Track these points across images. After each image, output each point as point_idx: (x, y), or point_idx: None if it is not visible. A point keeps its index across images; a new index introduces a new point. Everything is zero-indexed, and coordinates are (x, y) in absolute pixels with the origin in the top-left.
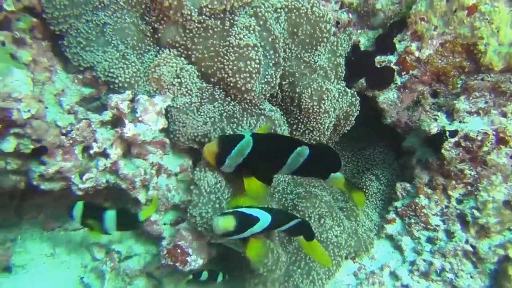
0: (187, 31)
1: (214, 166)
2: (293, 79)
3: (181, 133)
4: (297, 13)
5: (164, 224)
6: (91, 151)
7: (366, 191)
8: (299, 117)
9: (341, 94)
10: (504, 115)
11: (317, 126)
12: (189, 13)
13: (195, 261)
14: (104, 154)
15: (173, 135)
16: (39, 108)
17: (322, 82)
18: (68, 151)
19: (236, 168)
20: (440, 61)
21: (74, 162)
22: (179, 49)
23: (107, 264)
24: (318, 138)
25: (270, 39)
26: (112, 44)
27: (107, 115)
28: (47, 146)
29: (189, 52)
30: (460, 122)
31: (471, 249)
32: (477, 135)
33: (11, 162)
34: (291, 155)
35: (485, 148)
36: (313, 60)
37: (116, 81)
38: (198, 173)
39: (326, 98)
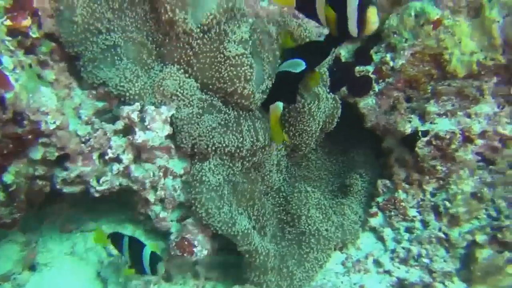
0: (188, 46)
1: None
2: None
3: (185, 140)
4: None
5: (171, 220)
6: (106, 157)
7: (351, 189)
8: (290, 121)
9: (326, 99)
10: (468, 116)
11: (305, 128)
12: (190, 29)
13: (201, 251)
14: (118, 159)
15: (178, 141)
16: (63, 120)
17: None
18: (87, 157)
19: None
20: (411, 69)
21: (92, 167)
22: (182, 63)
23: (122, 259)
24: (306, 140)
25: (265, 53)
26: (123, 62)
27: (120, 124)
28: (69, 153)
29: (190, 66)
30: (431, 123)
31: (444, 236)
32: (446, 134)
33: (39, 168)
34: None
35: (453, 146)
36: None
37: (127, 94)
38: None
39: (315, 107)
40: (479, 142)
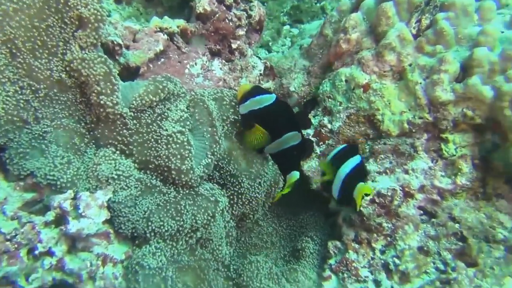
0: (123, 127)
1: (238, 100)
2: (230, 157)
3: (123, 225)
4: (224, 102)
5: None
6: (36, 252)
7: (303, 253)
8: (238, 190)
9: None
10: (406, 172)
11: (255, 196)
12: (123, 112)
13: None
14: (49, 253)
15: (117, 226)
16: None
17: (259, 162)
18: (14, 255)
19: (246, 115)
20: (348, 130)
21: (20, 265)
22: (117, 145)
23: None
24: (255, 207)
25: (205, 128)
26: (52, 150)
27: (51, 215)
28: None
29: (127, 146)
30: (372, 181)
31: None
32: (387, 192)
33: None
34: (288, 134)
35: (395, 202)
36: None
37: (58, 183)
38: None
39: (263, 175)
40: (419, 196)
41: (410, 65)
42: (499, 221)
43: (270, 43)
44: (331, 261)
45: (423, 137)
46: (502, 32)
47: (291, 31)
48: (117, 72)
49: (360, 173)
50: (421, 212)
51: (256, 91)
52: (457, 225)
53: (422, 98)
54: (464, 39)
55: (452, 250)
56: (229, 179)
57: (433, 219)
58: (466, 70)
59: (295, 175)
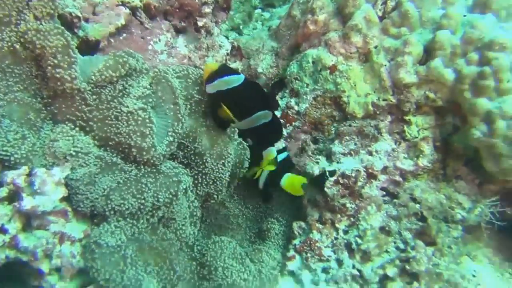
0: (83, 102)
1: (204, 79)
2: (195, 135)
3: (82, 203)
4: (188, 80)
5: None
6: None
7: (269, 234)
8: (202, 170)
9: (233, 144)
10: (370, 154)
11: (219, 176)
12: (81, 87)
13: None
14: (2, 230)
15: (75, 204)
16: None
17: (223, 141)
18: None
19: (214, 94)
20: (315, 112)
21: None
22: (75, 121)
23: None
24: (219, 187)
25: (169, 107)
26: (4, 125)
27: (3, 192)
28: None
29: (86, 123)
30: (337, 163)
31: (357, 273)
32: (351, 173)
33: None
34: (259, 112)
35: (359, 183)
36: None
37: (12, 158)
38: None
39: (226, 155)
40: (382, 177)
41: (375, 47)
42: (458, 202)
43: (241, 26)
44: (296, 242)
45: (387, 119)
46: (465, 15)
47: (262, 14)
48: (76, 45)
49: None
50: (384, 193)
51: (224, 71)
52: (417, 206)
53: (386, 80)
54: (428, 22)
55: (412, 230)
56: (193, 158)
57: (395, 200)
58: (429, 52)
59: (272, 151)
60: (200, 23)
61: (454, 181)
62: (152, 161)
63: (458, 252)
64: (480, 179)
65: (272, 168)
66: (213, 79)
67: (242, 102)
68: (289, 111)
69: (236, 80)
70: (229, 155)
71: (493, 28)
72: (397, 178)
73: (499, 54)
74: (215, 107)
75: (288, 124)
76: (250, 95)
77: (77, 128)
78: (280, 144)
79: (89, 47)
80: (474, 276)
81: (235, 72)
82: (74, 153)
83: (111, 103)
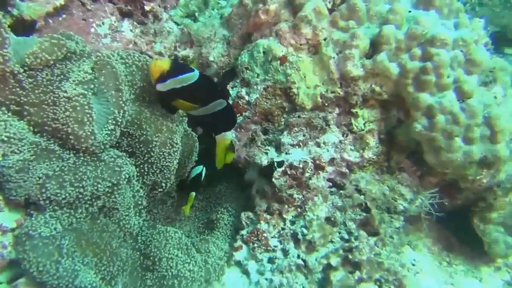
0: (17, 85)
1: (153, 79)
2: (139, 123)
3: (14, 191)
4: (133, 66)
5: (1, 283)
6: None
7: (217, 224)
8: (149, 159)
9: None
10: (318, 145)
11: (167, 165)
12: (14, 70)
13: None
14: None
15: (7, 193)
16: None
17: (169, 129)
18: None
19: (168, 91)
20: (265, 103)
21: None
22: (9, 104)
23: None
24: (167, 175)
25: (111, 94)
26: None
27: None
28: None
29: (21, 107)
30: (286, 153)
31: (302, 263)
32: (299, 164)
33: None
34: (214, 102)
35: (306, 174)
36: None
37: None
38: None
39: (173, 143)
40: (329, 169)
41: (324, 39)
42: (400, 193)
43: (197, 14)
44: (243, 232)
45: (335, 111)
46: (410, 11)
47: (219, 2)
48: (9, 24)
49: None
50: (330, 184)
51: (177, 69)
52: (362, 197)
53: (334, 73)
54: (375, 16)
55: (356, 220)
56: (138, 146)
57: (341, 191)
58: (376, 46)
59: (227, 135)
60: (147, 7)
61: (397, 173)
62: (91, 149)
63: (400, 241)
64: (422, 172)
65: (231, 156)
66: (165, 79)
67: (198, 96)
68: (239, 101)
69: (191, 78)
70: (175, 143)
71: (435, 24)
72: (344, 169)
73: (440, 50)
74: (167, 101)
75: (239, 114)
76: (205, 89)
77: (10, 113)
78: (230, 134)
79: (25, 27)
80: (413, 264)
81: (189, 69)
82: (6, 139)
83: (48, 87)
